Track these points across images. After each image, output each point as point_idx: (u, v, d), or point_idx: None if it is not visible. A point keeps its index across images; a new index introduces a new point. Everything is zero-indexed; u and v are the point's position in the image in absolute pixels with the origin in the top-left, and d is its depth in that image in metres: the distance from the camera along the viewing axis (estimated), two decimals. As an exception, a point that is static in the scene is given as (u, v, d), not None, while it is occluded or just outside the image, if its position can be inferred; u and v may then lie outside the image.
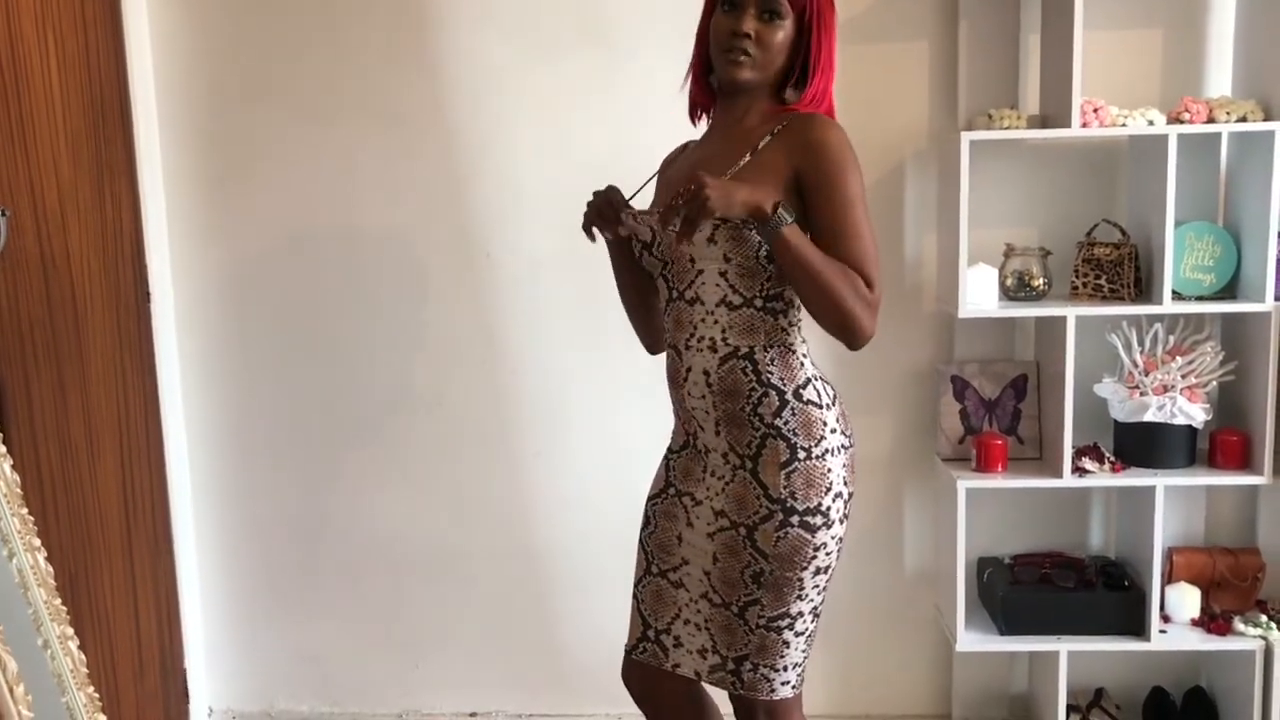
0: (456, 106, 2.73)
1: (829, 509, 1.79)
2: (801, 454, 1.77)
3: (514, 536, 2.89)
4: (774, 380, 1.78)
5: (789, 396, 1.78)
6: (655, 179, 2.02)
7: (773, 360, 1.79)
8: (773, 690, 1.84)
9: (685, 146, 2.01)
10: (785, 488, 1.77)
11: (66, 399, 2.33)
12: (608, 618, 2.83)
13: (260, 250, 2.82)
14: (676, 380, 1.87)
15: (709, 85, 1.92)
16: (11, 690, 1.45)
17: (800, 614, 1.82)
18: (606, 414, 2.81)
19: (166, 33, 2.73)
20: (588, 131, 2.69)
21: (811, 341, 2.07)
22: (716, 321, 1.80)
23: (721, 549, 1.83)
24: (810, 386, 1.80)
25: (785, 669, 1.84)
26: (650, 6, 2.62)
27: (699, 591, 1.88)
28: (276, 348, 2.85)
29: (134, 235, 2.65)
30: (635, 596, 1.99)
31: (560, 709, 2.93)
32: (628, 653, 2.00)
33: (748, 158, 1.79)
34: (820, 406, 1.80)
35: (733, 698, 1.91)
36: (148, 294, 2.70)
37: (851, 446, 1.85)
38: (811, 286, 1.70)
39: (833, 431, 1.80)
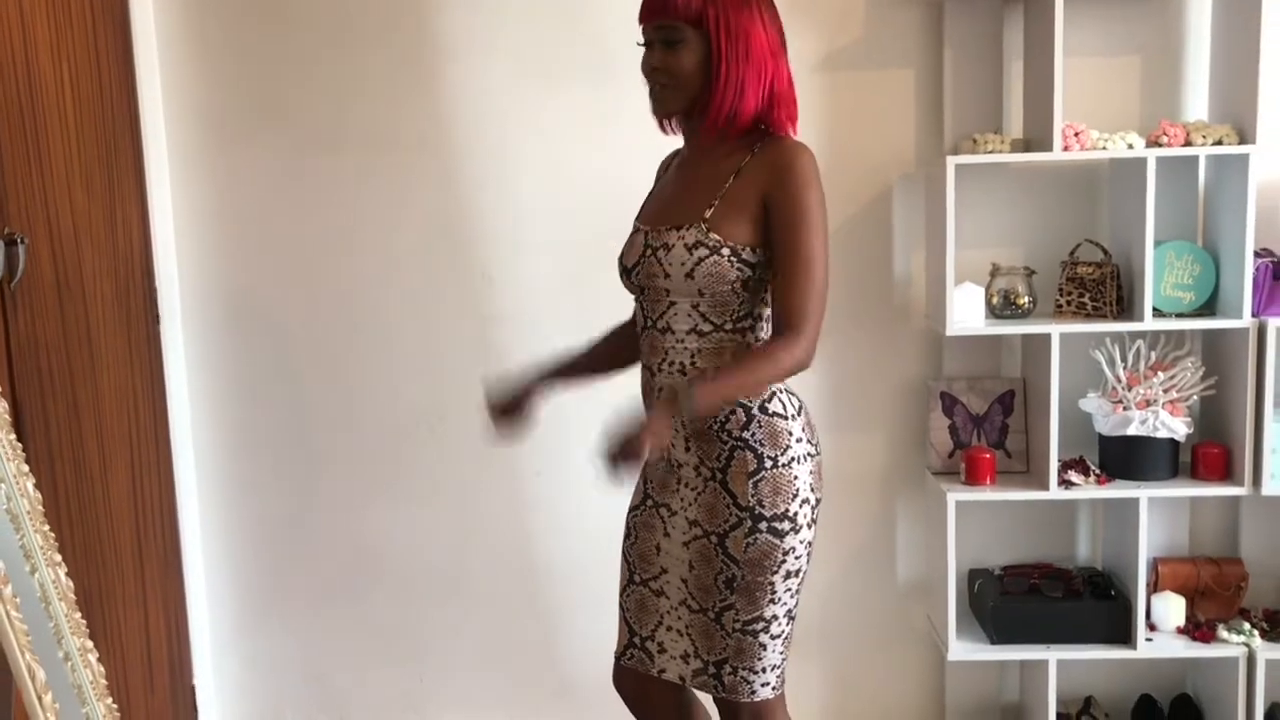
0: (459, 133, 2.81)
1: (796, 515, 1.86)
2: (768, 463, 1.84)
3: (516, 552, 2.94)
4: (740, 401, 1.85)
5: (755, 411, 1.85)
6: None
7: None
8: (753, 692, 1.91)
9: (678, 153, 2.06)
10: (753, 496, 1.84)
11: (80, 420, 2.39)
12: (608, 631, 2.89)
13: (266, 274, 2.89)
14: (649, 399, 1.96)
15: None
16: (40, 699, 1.51)
17: (775, 617, 1.89)
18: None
19: (176, 64, 2.80)
20: (587, 158, 2.77)
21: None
22: (686, 348, 1.88)
23: (696, 557, 1.90)
24: (775, 399, 1.88)
25: (764, 670, 1.91)
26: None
27: (678, 599, 1.95)
28: (282, 369, 2.92)
29: (144, 260, 2.72)
30: (621, 605, 2.07)
31: (561, 721, 2.99)
32: (617, 659, 2.09)
33: (730, 182, 1.85)
34: (785, 417, 1.87)
35: (717, 701, 1.98)
36: (157, 317, 2.77)
37: (818, 454, 1.92)
38: (751, 393, 1.83)
39: (798, 440, 1.87)
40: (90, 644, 1.86)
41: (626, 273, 1.96)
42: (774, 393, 1.88)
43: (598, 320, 2.80)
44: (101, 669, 1.87)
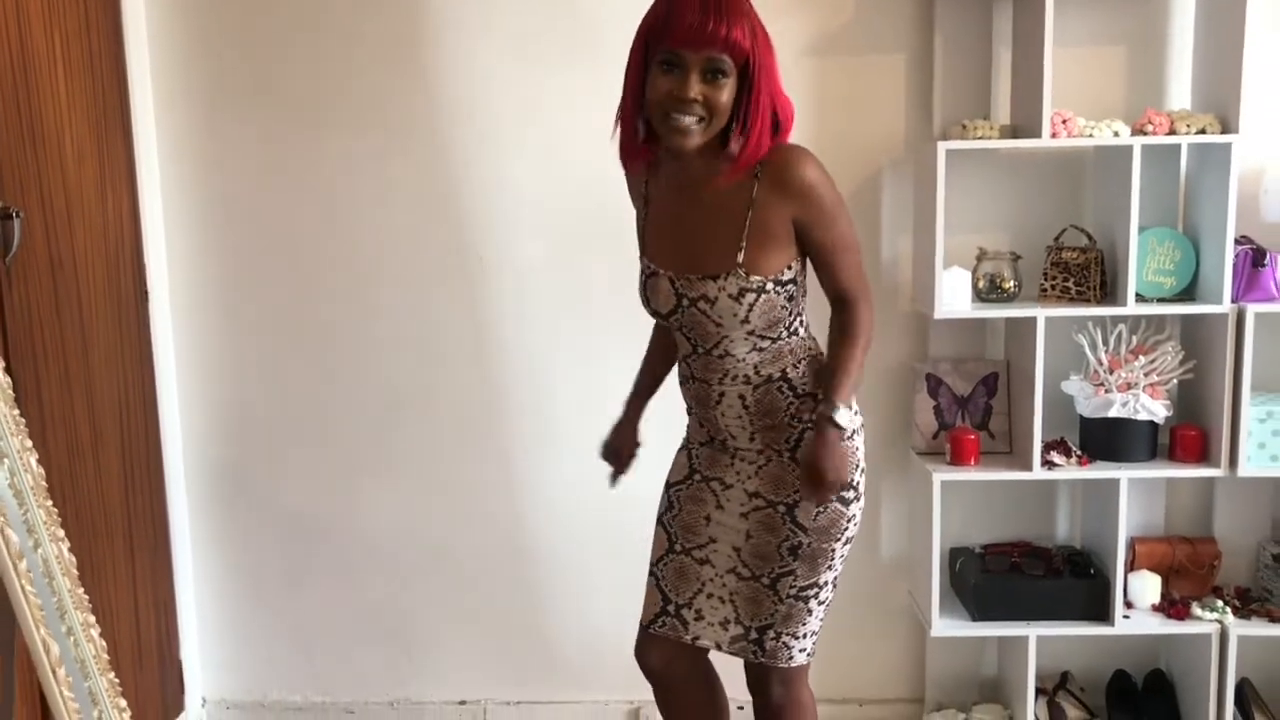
0: (451, 113, 2.81)
1: (858, 484, 1.96)
2: None
3: (503, 529, 2.96)
4: (809, 389, 1.93)
5: (820, 396, 1.91)
6: (636, 194, 2.03)
7: (804, 374, 1.93)
8: (790, 658, 1.97)
9: (656, 166, 1.95)
10: None
11: (73, 397, 2.39)
12: (594, 607, 2.93)
13: (255, 252, 2.88)
14: (707, 404, 1.97)
15: (638, 134, 1.87)
16: (54, 672, 1.52)
17: (827, 583, 1.97)
18: (594, 413, 2.87)
19: (165, 43, 2.78)
20: (579, 140, 2.77)
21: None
22: (748, 363, 1.92)
23: (757, 526, 1.95)
24: None
25: (804, 636, 1.98)
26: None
27: (726, 567, 1.99)
28: (270, 348, 2.91)
29: (134, 237, 2.70)
30: (654, 574, 2.08)
31: (548, 696, 3.01)
32: (644, 627, 2.09)
33: (750, 213, 1.83)
34: None
35: (748, 668, 2.03)
36: (146, 294, 2.76)
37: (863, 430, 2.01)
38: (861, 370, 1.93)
39: (855, 414, 1.95)
40: (93, 619, 1.87)
41: (659, 315, 1.96)
42: None
43: (590, 302, 2.83)
44: (104, 643, 1.88)
